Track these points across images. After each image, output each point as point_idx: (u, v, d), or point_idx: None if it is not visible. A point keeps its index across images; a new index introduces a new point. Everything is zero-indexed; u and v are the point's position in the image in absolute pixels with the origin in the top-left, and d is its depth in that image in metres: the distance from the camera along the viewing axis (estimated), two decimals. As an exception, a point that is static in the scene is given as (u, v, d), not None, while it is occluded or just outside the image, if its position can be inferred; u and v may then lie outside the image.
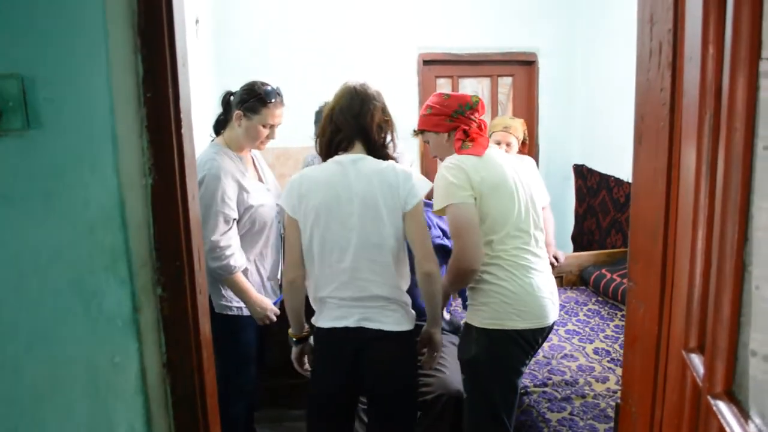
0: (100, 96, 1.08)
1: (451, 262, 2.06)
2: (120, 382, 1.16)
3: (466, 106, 2.17)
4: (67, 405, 1.17)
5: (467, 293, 2.20)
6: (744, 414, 0.74)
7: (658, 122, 1.08)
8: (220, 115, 2.56)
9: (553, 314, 2.14)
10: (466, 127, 2.16)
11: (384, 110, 2.07)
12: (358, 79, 2.11)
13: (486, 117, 4.44)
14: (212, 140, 2.56)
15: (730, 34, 0.76)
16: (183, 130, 1.11)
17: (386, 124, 2.07)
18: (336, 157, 2.03)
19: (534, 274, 2.11)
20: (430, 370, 2.42)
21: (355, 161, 1.99)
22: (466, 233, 2.01)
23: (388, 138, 2.09)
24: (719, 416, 0.77)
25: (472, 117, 2.18)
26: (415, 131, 2.35)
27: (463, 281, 2.09)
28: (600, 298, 3.45)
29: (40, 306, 1.14)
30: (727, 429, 0.74)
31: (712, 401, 0.80)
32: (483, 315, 2.09)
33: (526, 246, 2.12)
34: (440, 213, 2.10)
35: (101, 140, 1.09)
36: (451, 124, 2.17)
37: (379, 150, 2.06)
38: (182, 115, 1.10)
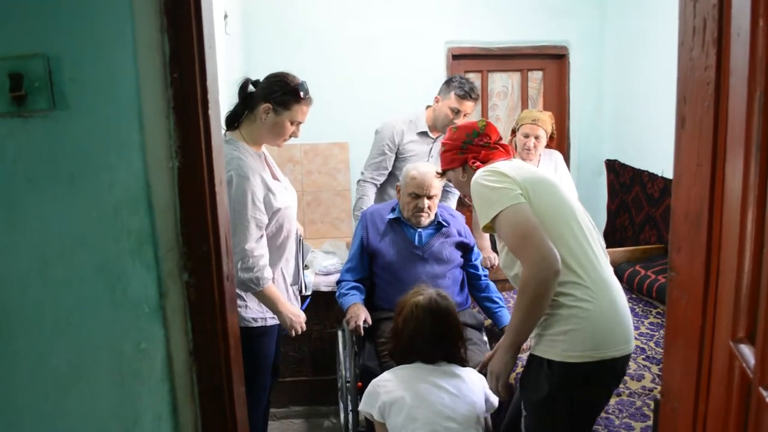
0: (126, 76, 1.06)
1: (526, 276, 1.73)
2: (146, 369, 1.15)
3: (473, 134, 2.07)
4: (92, 391, 1.16)
5: None
6: (801, 405, 0.70)
7: (703, 103, 1.03)
8: (236, 106, 2.31)
9: (633, 333, 1.85)
10: (476, 155, 2.04)
11: (457, 325, 2.20)
12: (430, 291, 2.22)
13: (516, 112, 4.40)
14: (224, 134, 2.29)
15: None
16: (210, 112, 1.09)
17: (460, 336, 2.21)
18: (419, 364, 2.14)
19: (613, 287, 1.83)
20: None
21: (438, 372, 2.11)
22: (534, 232, 1.73)
23: (463, 348, 2.22)
24: (774, 408, 0.72)
25: (482, 143, 2.05)
26: (437, 173, 2.32)
27: (548, 292, 1.72)
28: (634, 295, 3.37)
29: (65, 291, 1.13)
30: (781, 421, 0.70)
31: (764, 393, 0.75)
32: (564, 346, 1.75)
33: (594, 251, 1.84)
34: (489, 229, 1.86)
35: (127, 121, 1.08)
36: (462, 156, 2.08)
37: (457, 359, 2.19)
38: (209, 97, 1.08)
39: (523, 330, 1.80)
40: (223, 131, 2.32)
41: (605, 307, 1.76)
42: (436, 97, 3.31)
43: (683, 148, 1.13)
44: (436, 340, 2.12)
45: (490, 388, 1.94)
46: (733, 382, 0.91)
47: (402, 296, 2.27)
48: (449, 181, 2.24)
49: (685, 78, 1.12)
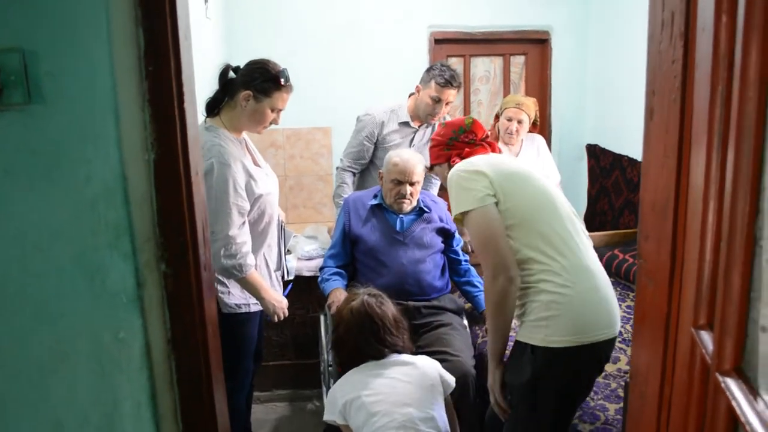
0: (101, 69, 1.07)
1: (485, 285, 1.87)
2: (125, 358, 1.17)
3: (459, 131, 2.12)
4: (72, 380, 1.18)
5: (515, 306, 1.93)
6: (753, 391, 0.73)
7: (670, 95, 1.06)
8: (216, 93, 2.30)
9: (619, 318, 1.89)
10: (460, 152, 2.10)
11: (395, 317, 2.22)
12: (360, 293, 2.25)
13: (498, 97, 4.41)
14: (204, 120, 2.30)
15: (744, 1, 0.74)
16: (186, 105, 1.09)
17: (400, 325, 2.23)
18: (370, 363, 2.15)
19: (594, 273, 1.86)
20: (444, 355, 2.46)
21: (388, 364, 2.12)
22: (491, 240, 1.83)
23: (405, 336, 2.24)
24: (727, 393, 0.75)
25: (467, 140, 2.11)
26: (426, 167, 2.37)
27: (506, 299, 1.82)
28: (612, 279, 3.40)
29: (45, 281, 1.14)
30: (735, 406, 0.73)
31: (720, 378, 0.78)
32: (546, 332, 1.79)
33: (574, 239, 1.88)
34: (458, 222, 1.96)
35: (103, 114, 1.08)
36: (448, 152, 2.13)
37: (405, 349, 2.21)
38: (185, 89, 1.09)
39: (496, 337, 1.89)
40: (204, 118, 2.32)
41: (585, 293, 1.80)
42: (417, 86, 3.26)
43: (651, 140, 1.16)
44: (378, 336, 2.15)
45: (491, 403, 2.00)
46: (694, 367, 0.93)
47: (343, 305, 2.31)
48: (436, 175, 2.30)
49: (653, 70, 1.14)
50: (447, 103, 3.19)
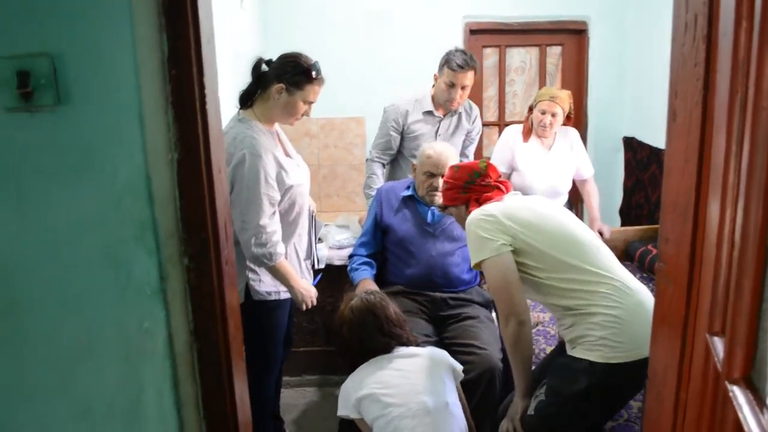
0: (126, 73, 1.11)
1: (501, 327, 2.02)
2: (149, 348, 1.22)
3: (475, 175, 2.20)
4: (100, 367, 1.24)
5: (565, 330, 2.01)
6: (760, 402, 0.73)
7: (692, 99, 1.04)
8: (250, 86, 2.37)
9: None
10: (478, 196, 2.17)
11: (395, 311, 2.23)
12: (356, 293, 2.29)
13: (533, 88, 4.36)
14: (238, 112, 2.39)
15: (760, 5, 0.73)
16: (208, 106, 1.13)
17: (401, 317, 2.23)
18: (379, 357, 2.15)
19: (636, 290, 1.95)
20: (471, 348, 2.48)
21: (396, 357, 2.13)
22: (507, 287, 1.97)
23: (408, 328, 2.26)
24: (734, 403, 0.75)
25: (484, 183, 2.18)
26: (439, 207, 2.42)
27: (520, 340, 1.97)
28: (645, 274, 3.37)
29: (74, 274, 1.20)
30: (741, 416, 0.73)
31: (729, 387, 0.78)
32: (605, 350, 1.87)
33: (605, 262, 1.98)
34: (477, 268, 2.08)
35: (128, 116, 1.13)
36: (465, 195, 2.21)
37: (411, 341, 2.22)
38: (207, 91, 1.12)
39: (519, 373, 2.02)
40: (237, 110, 2.39)
41: (634, 308, 1.88)
42: (434, 74, 3.26)
43: (673, 142, 1.14)
44: (382, 330, 2.16)
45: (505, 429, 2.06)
46: (708, 373, 0.93)
47: (342, 307, 2.31)
48: (451, 215, 2.38)
49: (676, 72, 1.13)
50: (463, 87, 3.16)
